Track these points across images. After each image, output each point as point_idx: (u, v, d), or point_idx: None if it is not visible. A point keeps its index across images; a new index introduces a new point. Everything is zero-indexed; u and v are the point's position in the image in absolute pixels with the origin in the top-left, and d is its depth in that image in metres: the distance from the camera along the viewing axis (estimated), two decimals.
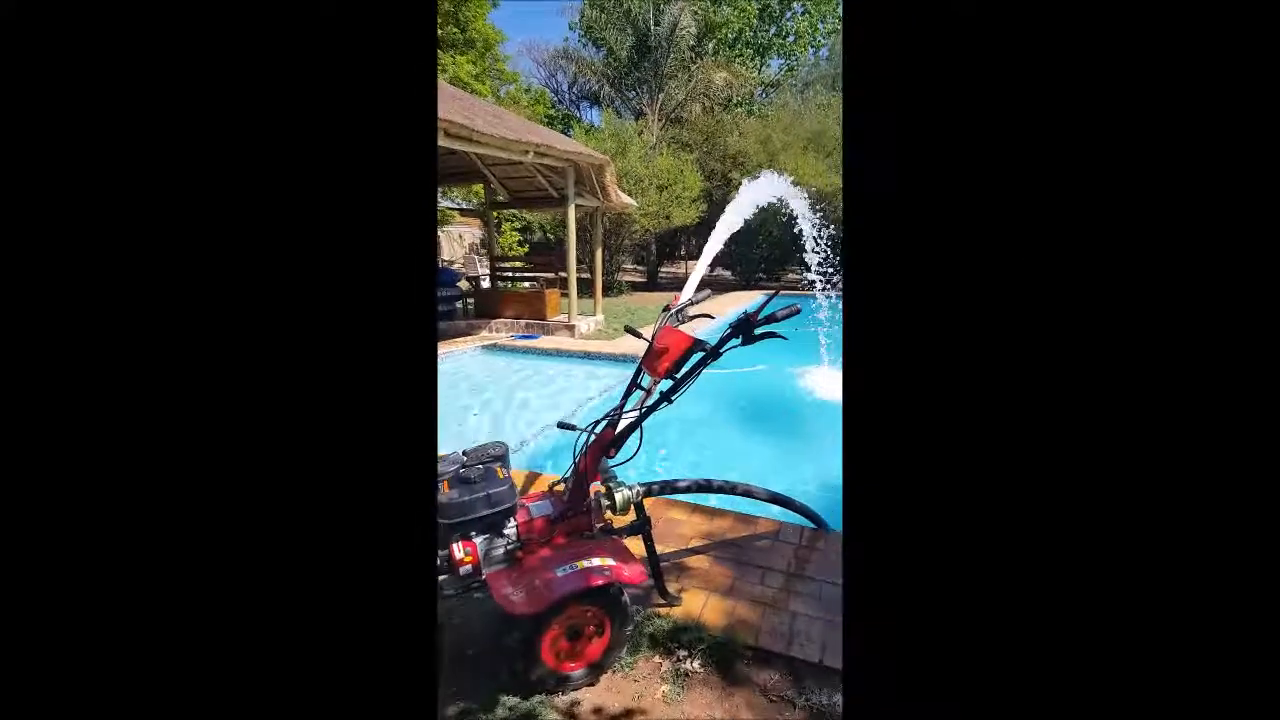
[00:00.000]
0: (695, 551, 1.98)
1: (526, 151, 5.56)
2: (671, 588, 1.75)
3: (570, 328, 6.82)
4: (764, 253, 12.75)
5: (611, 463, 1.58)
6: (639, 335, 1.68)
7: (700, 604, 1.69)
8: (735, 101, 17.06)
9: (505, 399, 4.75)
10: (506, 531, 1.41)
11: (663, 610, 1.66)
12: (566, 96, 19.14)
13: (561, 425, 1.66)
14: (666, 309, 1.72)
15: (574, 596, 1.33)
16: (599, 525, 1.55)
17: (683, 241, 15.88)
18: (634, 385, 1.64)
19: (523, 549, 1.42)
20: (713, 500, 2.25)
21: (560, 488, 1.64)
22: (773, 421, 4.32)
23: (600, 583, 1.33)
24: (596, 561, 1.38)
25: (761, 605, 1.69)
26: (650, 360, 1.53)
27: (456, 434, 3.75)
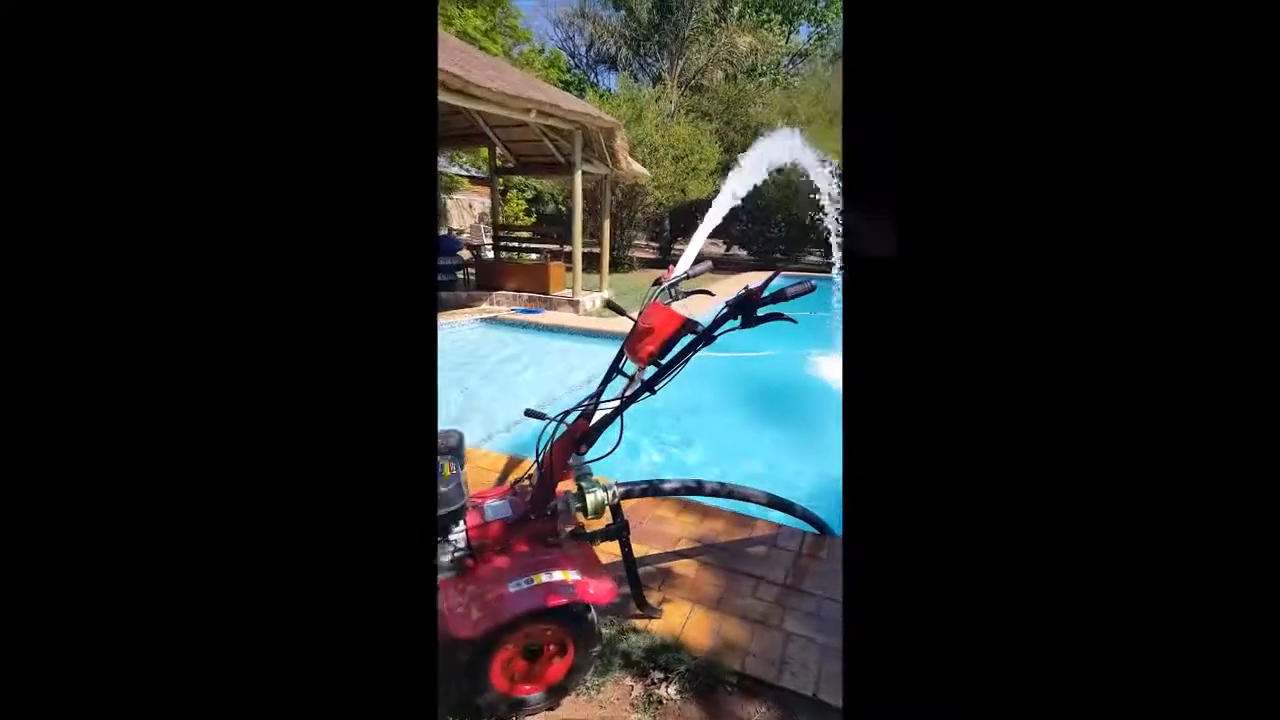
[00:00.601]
0: (682, 555, 1.78)
1: (529, 110, 5.23)
2: (653, 598, 1.56)
3: (574, 303, 6.59)
4: (783, 232, 12.30)
5: (587, 458, 1.38)
6: (622, 312, 1.45)
7: (683, 619, 1.50)
8: (760, 70, 16.27)
9: (499, 376, 4.57)
10: (454, 537, 1.21)
11: (640, 624, 1.47)
12: (583, 60, 18.43)
13: (530, 413, 1.44)
14: (657, 283, 1.48)
15: (528, 617, 1.14)
16: (570, 528, 1.35)
17: (699, 217, 15.42)
18: (614, 371, 1.42)
19: (473, 556, 1.23)
20: (706, 498, 2.04)
21: (528, 483, 1.44)
22: (783, 412, 4.09)
23: (559, 603, 1.13)
24: (558, 576, 1.18)
25: (752, 623, 1.50)
26: (633, 342, 1.31)
27: (444, 416, 3.57)
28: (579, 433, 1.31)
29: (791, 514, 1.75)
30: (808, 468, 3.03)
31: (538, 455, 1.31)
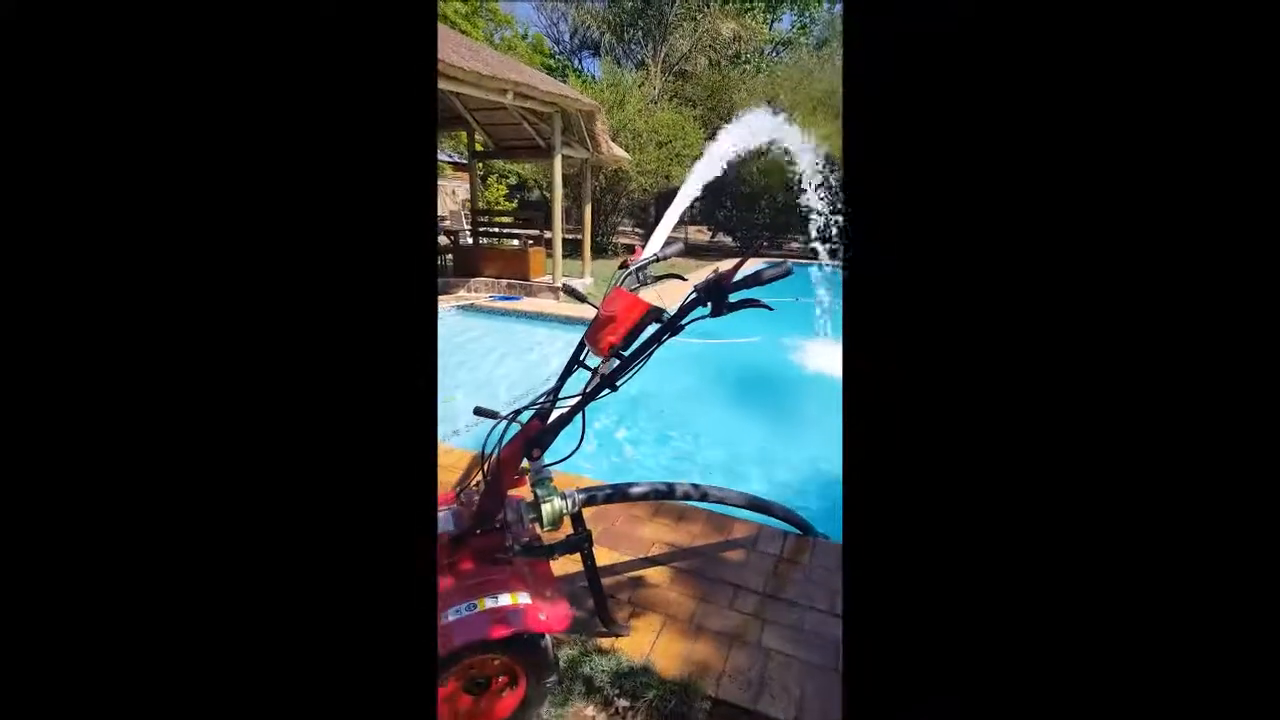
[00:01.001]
0: (655, 562, 1.65)
1: (505, 91, 4.99)
2: (621, 613, 1.43)
3: (554, 290, 6.39)
4: (766, 217, 12.16)
5: (546, 460, 1.22)
6: (583, 299, 1.29)
7: (652, 636, 1.37)
8: (743, 57, 16.02)
9: (473, 366, 4.39)
10: None
11: (605, 643, 1.34)
12: (567, 46, 17.98)
13: (479, 412, 1.29)
14: (623, 266, 1.32)
15: (470, 648, 0.99)
16: (525, 540, 1.20)
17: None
18: (575, 364, 1.26)
19: None
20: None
21: (477, 488, 1.28)
22: (765, 401, 3.97)
23: (504, 634, 0.99)
24: (504, 600, 1.04)
25: (728, 639, 1.37)
26: (594, 332, 1.15)
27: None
28: (531, 434, 1.15)
29: (771, 515, 1.63)
30: (792, 458, 2.92)
31: (483, 460, 1.16)
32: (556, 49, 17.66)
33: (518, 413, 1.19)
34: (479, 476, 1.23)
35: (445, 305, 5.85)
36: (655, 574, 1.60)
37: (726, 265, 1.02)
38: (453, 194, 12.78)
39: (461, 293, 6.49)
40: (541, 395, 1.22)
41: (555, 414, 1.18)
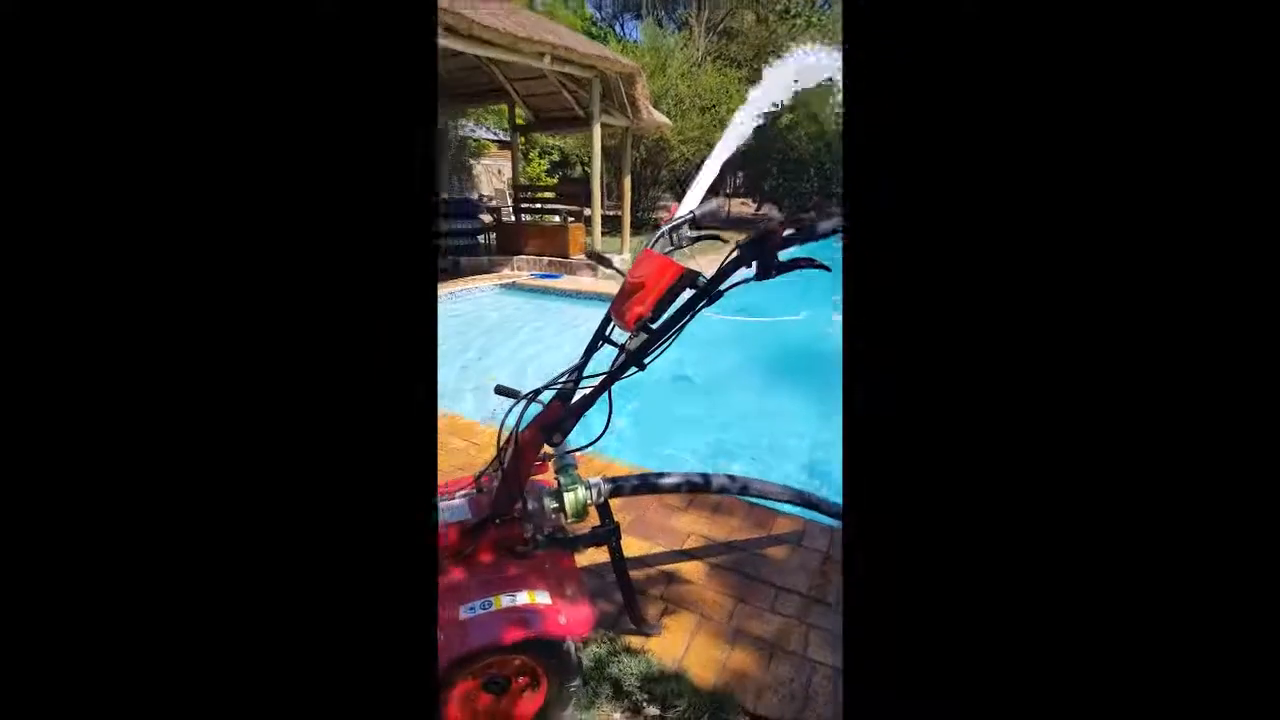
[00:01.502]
0: (689, 556, 1.53)
1: (542, 54, 4.82)
2: (652, 610, 1.32)
3: (593, 267, 6.28)
4: (814, 186, 11.54)
5: (570, 446, 1.12)
6: (608, 264, 1.15)
7: (686, 638, 1.26)
8: (792, 11, 15.01)
9: (511, 346, 4.36)
10: None
11: (635, 642, 1.24)
12: (609, 9, 17.46)
13: (501, 391, 1.19)
14: (655, 226, 1.17)
15: (486, 651, 0.91)
16: (546, 531, 1.10)
17: (729, 175, 14.55)
18: (599, 340, 1.13)
19: None
20: None
21: (497, 474, 1.19)
22: (814, 385, 3.73)
23: (521, 638, 0.90)
24: (523, 599, 0.94)
25: (769, 646, 1.24)
26: (620, 303, 1.02)
27: (454, 391, 3.38)
28: (552, 418, 1.04)
29: (819, 511, 1.47)
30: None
31: (499, 445, 1.06)
32: (598, 15, 17.20)
33: (537, 392, 1.08)
34: (494, 463, 1.13)
35: (489, 283, 5.86)
36: (689, 569, 1.48)
37: (772, 217, 0.85)
38: (499, 173, 12.80)
39: (505, 271, 6.49)
40: (563, 374, 1.10)
41: (578, 395, 1.07)
